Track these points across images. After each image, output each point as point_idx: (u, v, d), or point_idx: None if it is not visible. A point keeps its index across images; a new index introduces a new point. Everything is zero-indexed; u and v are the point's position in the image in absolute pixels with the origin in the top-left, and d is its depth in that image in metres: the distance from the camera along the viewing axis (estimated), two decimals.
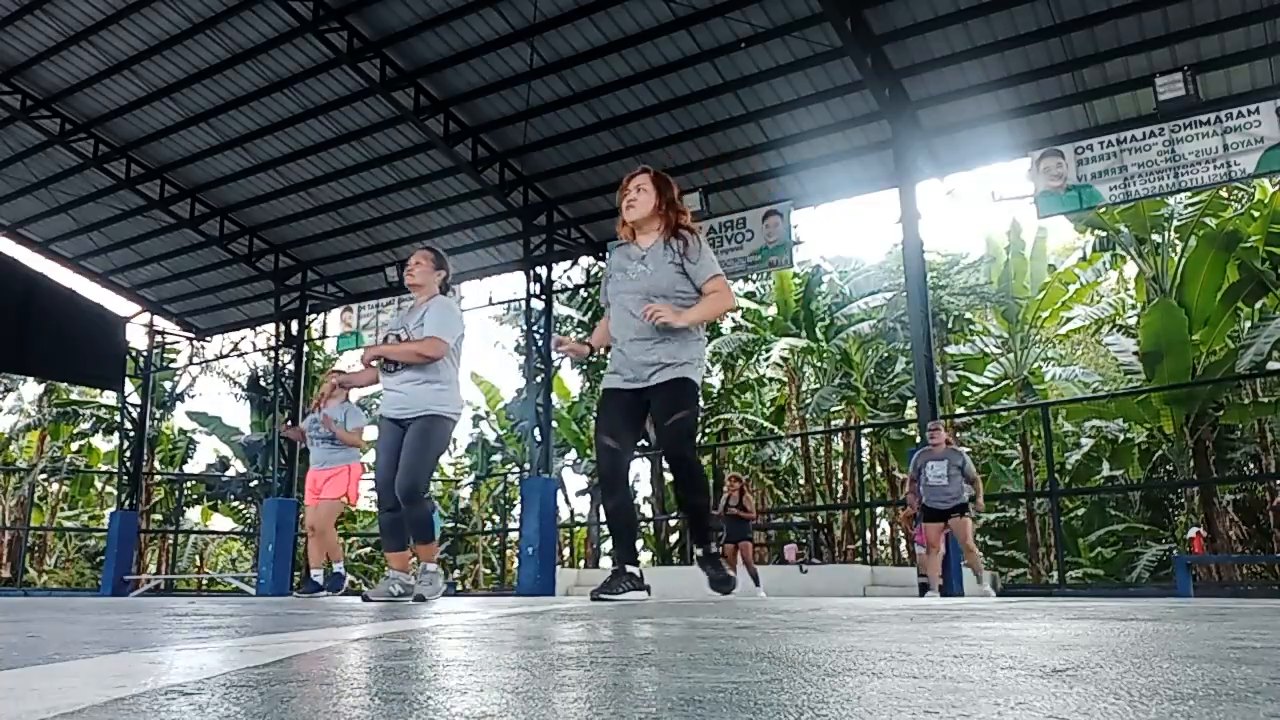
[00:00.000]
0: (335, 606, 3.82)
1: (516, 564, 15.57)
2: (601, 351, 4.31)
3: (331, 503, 6.91)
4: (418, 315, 4.46)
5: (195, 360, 20.96)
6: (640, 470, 21.72)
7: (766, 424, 21.08)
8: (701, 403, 21.59)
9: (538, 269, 13.39)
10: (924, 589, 9.27)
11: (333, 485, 6.88)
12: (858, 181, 11.74)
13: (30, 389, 25.57)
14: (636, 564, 3.76)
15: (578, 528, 25.05)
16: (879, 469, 21.39)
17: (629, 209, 3.72)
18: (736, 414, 21.18)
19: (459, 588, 23.94)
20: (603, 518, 23.04)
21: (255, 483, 19.47)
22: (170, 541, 24.53)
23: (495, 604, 4.03)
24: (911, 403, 18.16)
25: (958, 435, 18.63)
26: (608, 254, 12.88)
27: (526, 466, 15.16)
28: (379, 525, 4.66)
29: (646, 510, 21.35)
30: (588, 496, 22.20)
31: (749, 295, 20.41)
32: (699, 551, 3.87)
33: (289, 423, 7.67)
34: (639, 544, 3.84)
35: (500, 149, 12.51)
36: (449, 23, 10.83)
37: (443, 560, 14.99)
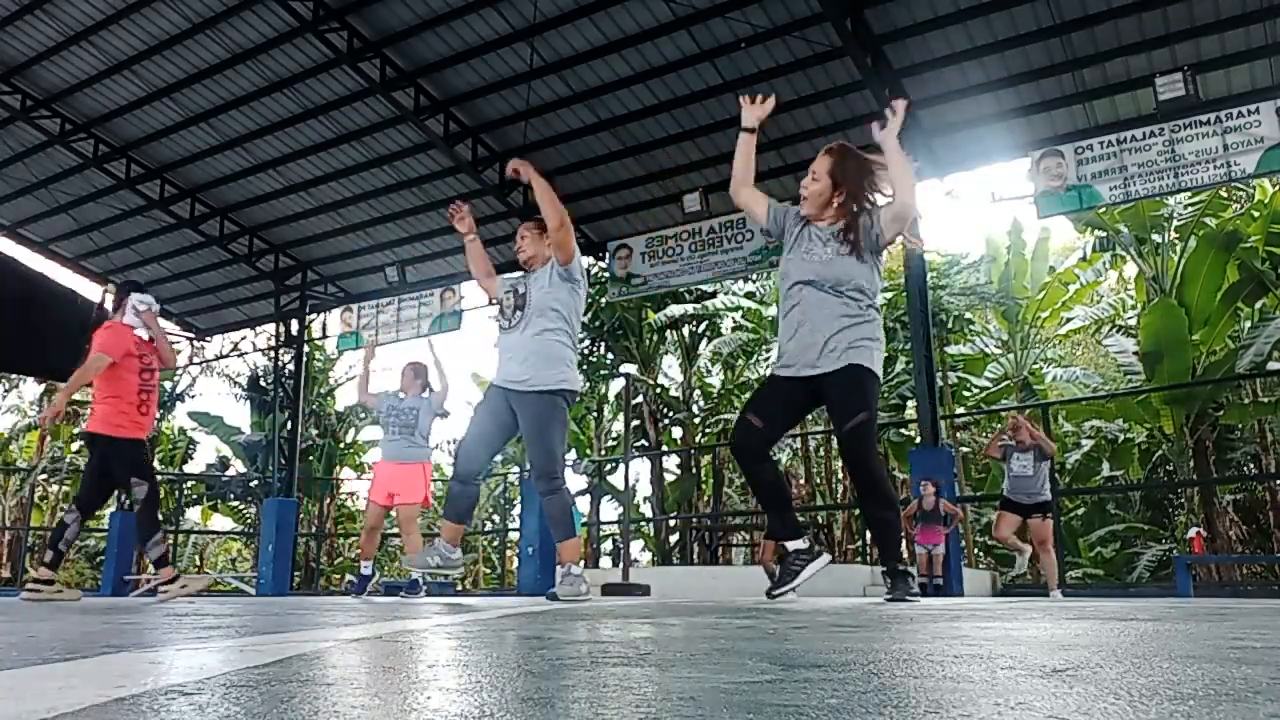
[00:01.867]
0: (336, 606, 3.82)
1: (516, 564, 15.57)
2: None
3: (410, 508, 6.54)
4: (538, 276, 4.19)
5: (195, 360, 20.95)
6: (641, 470, 21.72)
7: None
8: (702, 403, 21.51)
9: None
10: (923, 589, 9.28)
11: (410, 490, 6.54)
12: None
13: (30, 389, 25.58)
14: (800, 536, 3.51)
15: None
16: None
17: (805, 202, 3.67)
18: (737, 414, 21.16)
19: (459, 588, 23.93)
20: (603, 518, 23.05)
21: (255, 483, 19.46)
22: (170, 541, 24.52)
23: (495, 604, 4.03)
24: (911, 403, 18.15)
25: (958, 435, 18.64)
26: (607, 254, 12.90)
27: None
28: (448, 492, 4.22)
29: (646, 510, 21.35)
30: (588, 496, 22.19)
31: (749, 295, 20.40)
32: (885, 565, 3.53)
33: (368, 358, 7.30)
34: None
35: (500, 149, 12.51)
36: (449, 23, 10.83)
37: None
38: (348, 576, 25.83)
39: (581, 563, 4.11)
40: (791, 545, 3.48)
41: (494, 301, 4.33)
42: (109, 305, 5.34)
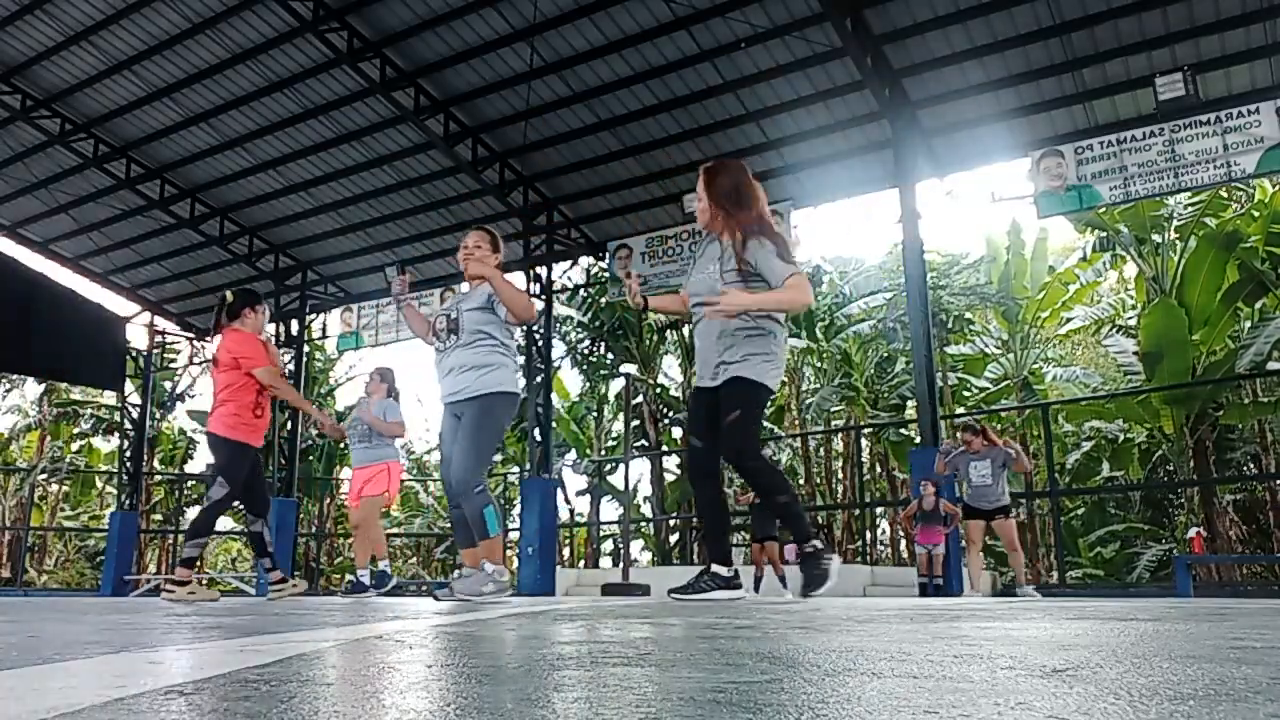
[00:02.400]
0: (335, 607, 3.82)
1: (516, 564, 15.56)
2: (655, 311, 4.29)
3: (372, 499, 6.79)
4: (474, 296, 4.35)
5: (195, 360, 20.95)
6: (641, 470, 21.72)
7: (767, 424, 21.08)
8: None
9: (538, 269, 13.40)
10: (924, 589, 9.28)
11: (374, 484, 6.78)
12: (858, 181, 11.74)
13: (30, 389, 25.58)
14: (726, 563, 3.66)
15: (578, 528, 25.04)
16: (879, 469, 21.39)
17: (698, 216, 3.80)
18: None
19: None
20: (603, 518, 23.01)
21: None
22: (170, 541, 24.52)
23: (495, 604, 4.03)
24: (911, 403, 18.16)
25: (957, 435, 18.62)
26: (607, 254, 12.90)
27: (526, 466, 15.15)
28: (452, 521, 4.41)
29: (646, 510, 21.35)
30: (588, 496, 22.22)
31: None
32: (800, 549, 3.70)
33: (329, 418, 7.51)
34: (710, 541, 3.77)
35: (500, 149, 12.51)
36: (449, 23, 10.84)
37: (443, 560, 14.97)
38: (347, 576, 25.82)
39: (500, 565, 4.20)
40: (716, 567, 3.63)
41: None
42: (224, 313, 5.48)
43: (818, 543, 3.59)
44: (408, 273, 4.72)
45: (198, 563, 5.50)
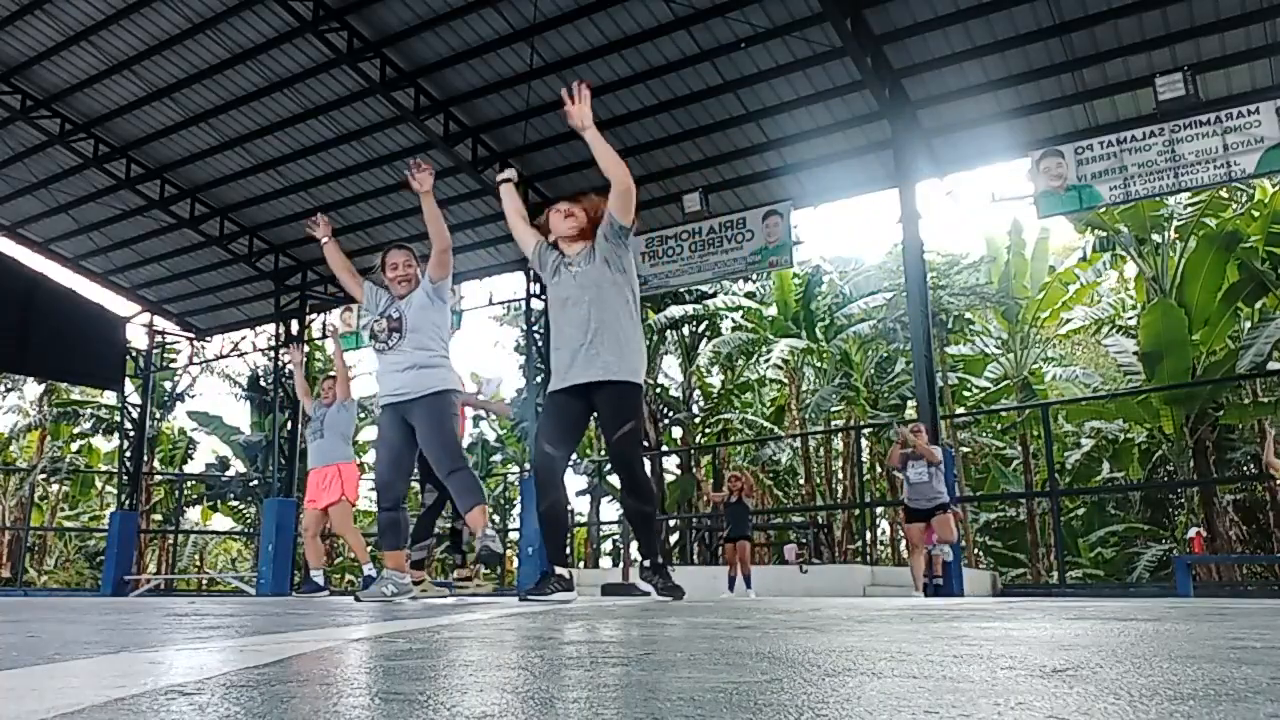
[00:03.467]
0: (335, 606, 3.82)
1: (517, 564, 15.56)
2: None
3: (339, 507, 6.86)
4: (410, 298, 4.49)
5: (195, 360, 20.96)
6: None
7: (766, 424, 21.08)
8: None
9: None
10: (924, 589, 9.27)
11: (329, 491, 6.84)
12: (858, 181, 11.74)
13: (30, 389, 25.58)
14: (566, 565, 3.78)
15: (577, 528, 25.05)
16: (879, 469, 21.38)
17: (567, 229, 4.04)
18: (736, 414, 21.18)
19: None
20: (603, 517, 23.03)
21: (255, 483, 19.47)
22: (170, 541, 24.54)
23: (495, 604, 4.03)
24: (911, 403, 18.15)
25: (958, 435, 18.64)
26: None
27: (526, 466, 15.16)
28: (378, 524, 4.54)
29: None
30: (588, 496, 22.20)
31: (749, 295, 20.41)
32: (645, 562, 3.85)
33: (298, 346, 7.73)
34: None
35: (500, 149, 12.51)
36: (449, 23, 10.83)
37: (442, 560, 14.98)
38: (348, 576, 25.84)
39: (490, 528, 4.36)
40: (559, 570, 3.74)
41: (363, 328, 4.69)
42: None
43: (658, 560, 3.79)
44: (326, 218, 4.82)
45: (426, 565, 5.90)
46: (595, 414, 3.75)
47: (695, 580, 10.65)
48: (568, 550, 3.86)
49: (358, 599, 4.49)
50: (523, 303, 14.33)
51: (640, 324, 3.78)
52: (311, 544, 7.09)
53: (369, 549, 7.54)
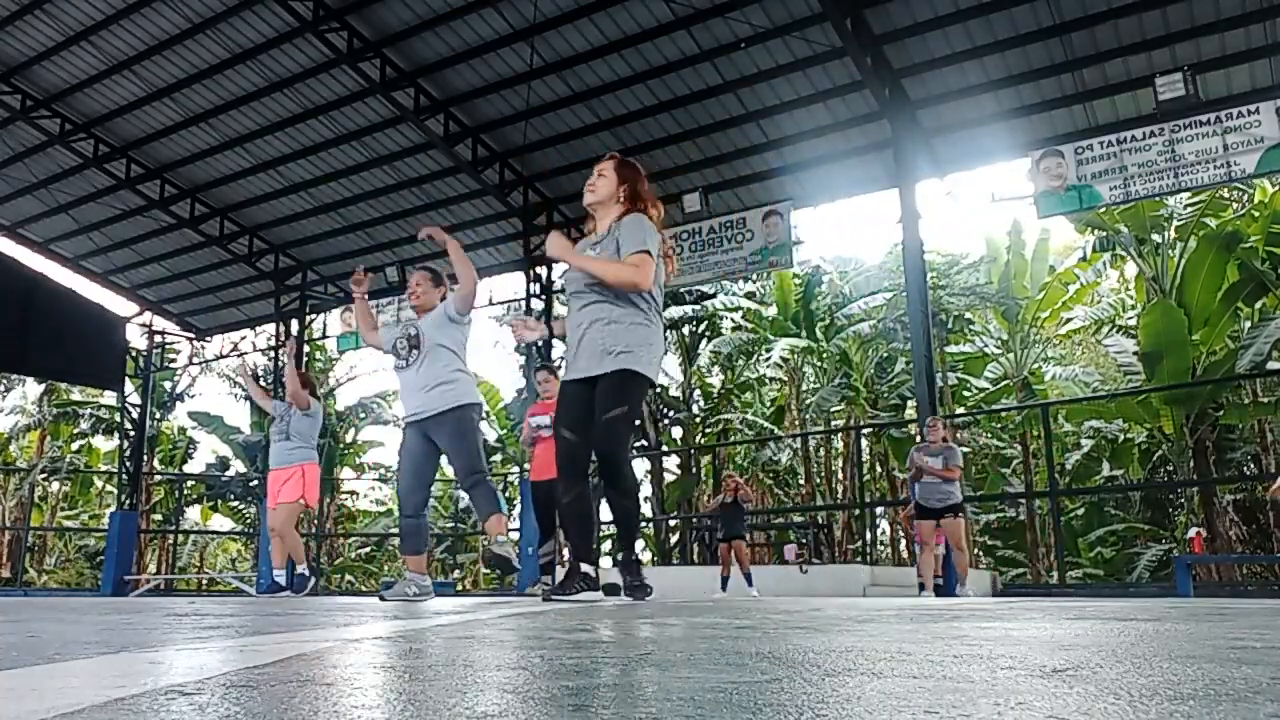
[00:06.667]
0: (335, 606, 3.82)
1: (517, 564, 15.55)
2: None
3: (289, 506, 6.86)
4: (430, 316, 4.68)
5: (195, 360, 20.95)
6: (641, 470, 21.73)
7: (766, 424, 21.07)
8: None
9: (538, 269, 13.40)
10: (923, 589, 9.27)
11: (289, 489, 6.82)
12: (858, 181, 11.74)
13: (30, 389, 25.58)
14: (593, 562, 3.67)
15: None
16: (879, 469, 21.38)
17: (588, 192, 3.75)
18: (736, 414, 21.18)
19: (459, 588, 23.94)
20: (603, 518, 23.05)
21: (255, 483, 19.46)
22: (170, 541, 24.53)
23: (495, 604, 4.04)
24: (911, 403, 18.15)
25: (958, 435, 18.63)
26: None
27: (526, 466, 15.16)
28: (400, 530, 4.75)
29: (646, 510, 21.33)
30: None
31: (749, 295, 20.40)
32: (620, 555, 3.81)
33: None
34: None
35: (500, 149, 12.51)
36: (449, 23, 10.84)
37: (443, 560, 14.98)
38: (348, 576, 25.84)
39: (505, 536, 4.57)
40: (584, 567, 3.63)
41: (386, 351, 4.87)
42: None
43: (634, 556, 3.71)
44: (369, 274, 4.97)
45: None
46: None
47: (695, 580, 10.64)
48: (594, 546, 3.82)
49: (382, 598, 4.59)
50: (522, 303, 14.33)
51: (655, 315, 3.63)
52: (286, 542, 7.06)
53: (304, 554, 7.54)
